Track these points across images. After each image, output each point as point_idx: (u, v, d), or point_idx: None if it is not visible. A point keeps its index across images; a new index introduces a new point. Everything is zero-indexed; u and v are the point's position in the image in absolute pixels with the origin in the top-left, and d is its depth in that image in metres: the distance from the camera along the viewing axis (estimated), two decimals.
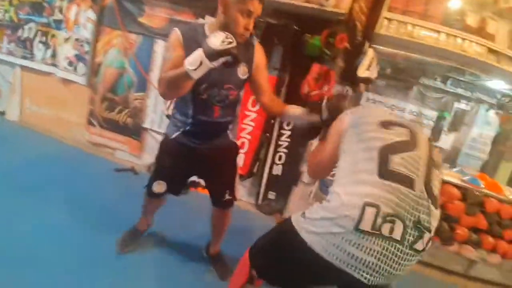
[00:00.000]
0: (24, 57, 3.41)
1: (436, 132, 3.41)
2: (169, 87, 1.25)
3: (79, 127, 3.22)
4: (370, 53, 2.22)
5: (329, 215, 0.89)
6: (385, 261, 0.83)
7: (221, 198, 1.64)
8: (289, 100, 2.53)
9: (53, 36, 3.26)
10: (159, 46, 2.84)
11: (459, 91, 3.25)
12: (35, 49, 3.36)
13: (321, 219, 0.90)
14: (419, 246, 0.86)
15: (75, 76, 3.19)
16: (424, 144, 0.99)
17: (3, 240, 1.65)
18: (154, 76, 2.87)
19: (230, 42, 1.12)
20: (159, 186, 1.59)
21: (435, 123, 3.39)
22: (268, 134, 2.62)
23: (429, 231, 0.88)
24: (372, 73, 2.22)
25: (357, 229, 0.84)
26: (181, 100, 1.44)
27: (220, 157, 1.56)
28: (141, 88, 2.98)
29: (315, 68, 2.18)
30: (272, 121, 2.57)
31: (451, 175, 2.55)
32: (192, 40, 1.29)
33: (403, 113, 3.34)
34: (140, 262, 1.75)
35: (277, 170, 2.66)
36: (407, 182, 0.89)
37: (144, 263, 1.75)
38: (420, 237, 0.86)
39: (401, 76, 2.94)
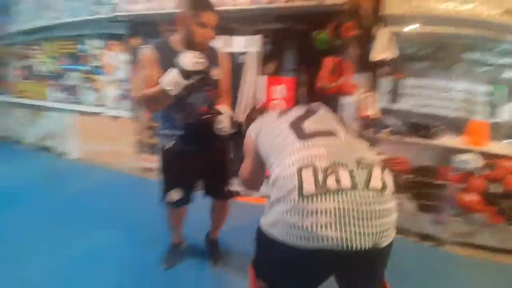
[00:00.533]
0: (73, 102, 3.96)
1: (492, 107, 3.09)
2: (152, 104, 1.46)
3: (131, 156, 3.60)
4: (382, 34, 2.15)
5: (274, 198, 0.87)
6: (348, 214, 0.76)
7: (223, 191, 1.75)
8: (310, 97, 2.57)
9: (95, 80, 3.72)
10: None
11: (506, 60, 2.88)
12: (82, 94, 3.86)
13: (271, 206, 0.88)
14: (375, 183, 0.81)
15: (121, 112, 3.60)
16: (324, 109, 1.07)
17: (64, 265, 1.86)
18: None
19: (202, 62, 1.26)
20: (175, 194, 1.63)
21: (489, 98, 3.07)
22: None
23: (375, 165, 0.84)
24: (389, 54, 2.13)
25: (302, 196, 0.78)
26: (166, 112, 1.51)
27: (215, 155, 1.67)
28: None
29: (328, 62, 2.19)
30: None
31: (503, 148, 2.27)
32: (165, 56, 1.42)
33: (451, 94, 3.06)
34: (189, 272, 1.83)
35: None
36: (329, 133, 0.92)
37: (190, 273, 1.83)
38: (370, 173, 0.82)
39: (440, 55, 2.66)
